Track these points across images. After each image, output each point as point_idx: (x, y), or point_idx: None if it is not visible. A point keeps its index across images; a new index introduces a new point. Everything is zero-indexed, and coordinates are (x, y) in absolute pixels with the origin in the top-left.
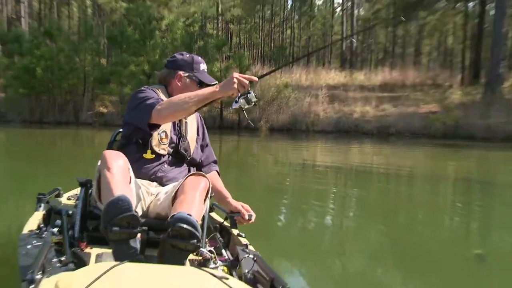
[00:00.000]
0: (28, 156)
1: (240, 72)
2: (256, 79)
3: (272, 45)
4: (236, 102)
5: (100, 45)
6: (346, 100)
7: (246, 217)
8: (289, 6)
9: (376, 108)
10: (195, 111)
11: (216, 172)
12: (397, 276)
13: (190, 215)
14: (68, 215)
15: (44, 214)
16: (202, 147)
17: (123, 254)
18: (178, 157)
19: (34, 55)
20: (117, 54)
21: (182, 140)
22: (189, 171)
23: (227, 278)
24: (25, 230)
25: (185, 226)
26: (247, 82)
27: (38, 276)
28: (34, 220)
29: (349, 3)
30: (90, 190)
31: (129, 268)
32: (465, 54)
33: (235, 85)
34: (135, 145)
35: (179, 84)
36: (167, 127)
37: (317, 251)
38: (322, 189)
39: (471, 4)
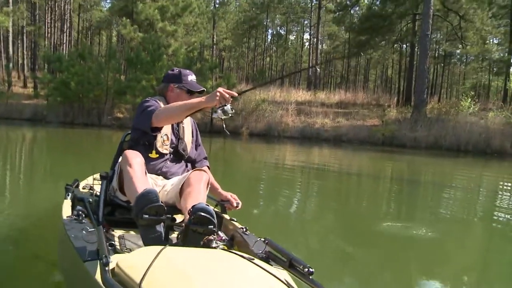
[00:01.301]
0: (62, 149)
1: (228, 89)
2: (236, 94)
3: (255, 69)
4: (216, 112)
5: (120, 65)
6: (310, 114)
7: (235, 204)
8: (268, 40)
9: (333, 121)
10: (187, 116)
11: (207, 166)
12: (344, 237)
13: (208, 205)
14: (89, 202)
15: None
16: (196, 146)
17: (150, 237)
18: (178, 155)
19: (69, 72)
20: (133, 72)
21: (180, 141)
22: (186, 166)
23: (253, 259)
24: (64, 216)
25: (205, 214)
26: (227, 96)
27: (109, 259)
28: (67, 207)
29: (315, 39)
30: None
31: (173, 251)
32: (400, 82)
33: (218, 98)
34: (142, 146)
35: (172, 94)
36: (168, 131)
37: (287, 224)
38: (290, 179)
39: (404, 46)
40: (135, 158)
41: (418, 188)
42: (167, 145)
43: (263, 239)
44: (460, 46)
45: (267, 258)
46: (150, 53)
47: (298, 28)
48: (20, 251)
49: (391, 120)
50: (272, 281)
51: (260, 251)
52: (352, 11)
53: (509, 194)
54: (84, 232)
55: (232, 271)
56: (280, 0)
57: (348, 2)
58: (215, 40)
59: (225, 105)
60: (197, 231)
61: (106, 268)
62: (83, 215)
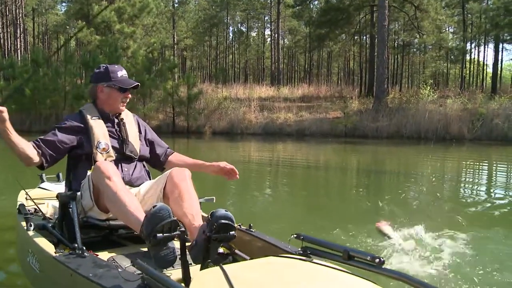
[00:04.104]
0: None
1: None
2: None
3: (218, 67)
4: None
5: (79, 69)
6: (273, 109)
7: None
8: (230, 37)
9: (296, 115)
10: (21, 153)
11: (175, 153)
12: (310, 213)
13: (227, 211)
14: (53, 228)
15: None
16: (149, 142)
17: (162, 255)
18: (128, 158)
19: (23, 79)
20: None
21: (125, 143)
22: (144, 166)
23: (311, 259)
24: (51, 253)
25: (227, 222)
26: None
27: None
28: (43, 241)
29: (276, 35)
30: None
31: (235, 268)
32: (362, 74)
33: None
34: (86, 161)
35: (102, 95)
36: (103, 138)
37: (261, 217)
38: (259, 170)
39: (364, 37)
40: (111, 169)
41: (380, 175)
42: (108, 152)
43: (295, 235)
44: (417, 35)
45: (309, 254)
46: (108, 55)
47: (259, 24)
48: None
49: (353, 112)
50: (350, 278)
51: (300, 248)
52: (311, 5)
53: (471, 173)
54: (92, 268)
55: (308, 277)
56: None
57: None
58: (175, 40)
59: None
60: (218, 240)
61: None
62: (83, 248)
